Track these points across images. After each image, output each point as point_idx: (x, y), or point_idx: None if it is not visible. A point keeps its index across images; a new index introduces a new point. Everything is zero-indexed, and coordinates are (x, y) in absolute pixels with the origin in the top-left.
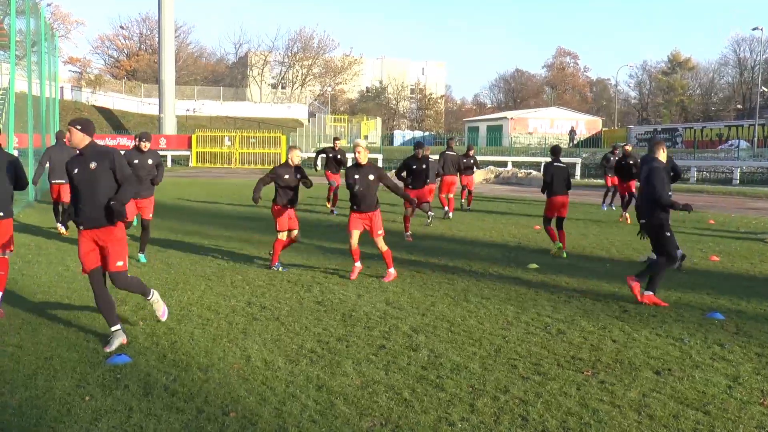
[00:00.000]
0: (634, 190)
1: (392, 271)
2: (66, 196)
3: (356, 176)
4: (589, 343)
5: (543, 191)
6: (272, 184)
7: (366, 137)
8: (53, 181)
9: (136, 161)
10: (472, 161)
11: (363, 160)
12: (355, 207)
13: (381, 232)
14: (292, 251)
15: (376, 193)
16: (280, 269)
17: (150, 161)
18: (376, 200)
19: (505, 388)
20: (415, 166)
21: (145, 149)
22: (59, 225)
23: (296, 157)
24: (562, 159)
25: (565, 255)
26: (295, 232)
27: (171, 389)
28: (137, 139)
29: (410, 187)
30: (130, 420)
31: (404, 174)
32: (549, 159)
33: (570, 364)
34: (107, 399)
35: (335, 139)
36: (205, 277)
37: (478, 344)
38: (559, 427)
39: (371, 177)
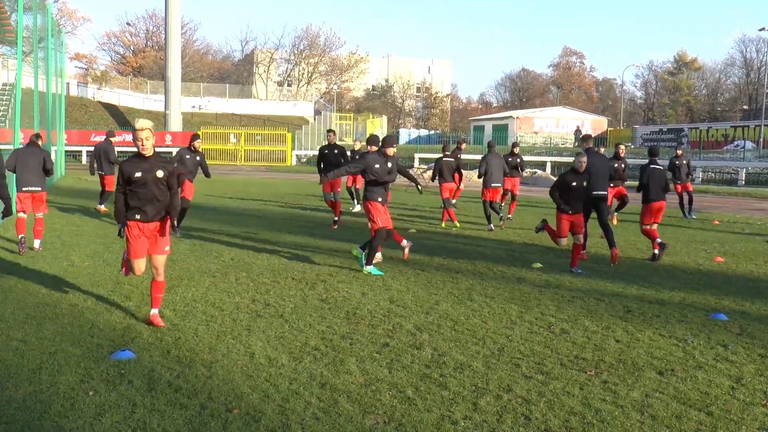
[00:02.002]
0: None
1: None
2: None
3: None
4: (593, 343)
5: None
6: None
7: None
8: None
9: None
10: (518, 160)
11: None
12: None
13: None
14: (298, 249)
15: None
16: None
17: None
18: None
19: (508, 387)
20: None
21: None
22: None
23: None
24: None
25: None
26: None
27: (175, 385)
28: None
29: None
30: (133, 415)
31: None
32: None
33: (573, 363)
34: (111, 394)
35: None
36: (209, 273)
37: (482, 343)
38: (562, 426)
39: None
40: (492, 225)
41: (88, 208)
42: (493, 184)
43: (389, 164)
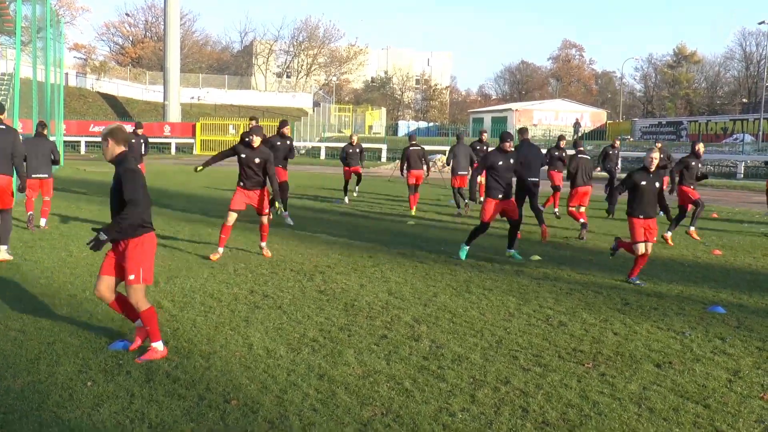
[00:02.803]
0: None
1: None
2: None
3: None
4: (591, 336)
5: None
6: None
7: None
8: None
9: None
10: (564, 154)
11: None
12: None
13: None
14: (296, 239)
15: None
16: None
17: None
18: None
19: (506, 379)
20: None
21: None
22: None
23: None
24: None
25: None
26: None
27: (173, 376)
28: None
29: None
30: (131, 406)
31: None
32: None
33: (571, 356)
34: (109, 384)
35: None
36: (208, 264)
37: (480, 335)
38: (560, 418)
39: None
40: (460, 210)
41: (87, 198)
42: (459, 172)
43: (511, 161)
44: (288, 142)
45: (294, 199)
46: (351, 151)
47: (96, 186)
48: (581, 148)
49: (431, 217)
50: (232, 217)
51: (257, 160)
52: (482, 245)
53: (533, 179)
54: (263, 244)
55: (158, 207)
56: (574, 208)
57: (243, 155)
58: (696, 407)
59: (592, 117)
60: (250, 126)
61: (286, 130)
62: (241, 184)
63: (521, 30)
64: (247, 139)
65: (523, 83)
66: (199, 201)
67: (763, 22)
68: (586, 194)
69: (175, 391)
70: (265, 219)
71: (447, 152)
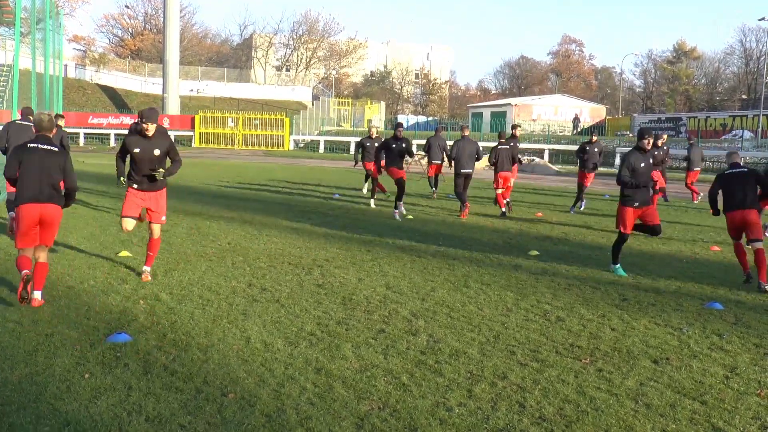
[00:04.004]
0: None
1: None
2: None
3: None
4: (588, 331)
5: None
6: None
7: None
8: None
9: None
10: (662, 152)
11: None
12: None
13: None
14: (294, 233)
15: None
16: None
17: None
18: None
19: (503, 374)
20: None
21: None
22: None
23: None
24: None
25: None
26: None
27: (170, 369)
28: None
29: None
30: (129, 398)
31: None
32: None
33: (568, 351)
34: (107, 377)
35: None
36: (206, 257)
37: (477, 330)
38: (556, 414)
39: None
40: (435, 194)
41: (84, 190)
42: (434, 161)
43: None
44: (404, 145)
45: (292, 194)
46: (369, 144)
47: (95, 178)
48: (503, 140)
49: (429, 212)
50: (129, 223)
51: (156, 152)
52: (480, 240)
53: (467, 170)
54: (147, 268)
55: None
56: (499, 191)
57: (137, 149)
58: (693, 403)
59: (591, 112)
60: (139, 112)
61: (400, 132)
62: (134, 185)
63: (521, 25)
64: (138, 128)
65: (523, 78)
66: (196, 194)
67: (763, 19)
68: (507, 179)
69: (172, 384)
70: (157, 231)
71: (424, 145)
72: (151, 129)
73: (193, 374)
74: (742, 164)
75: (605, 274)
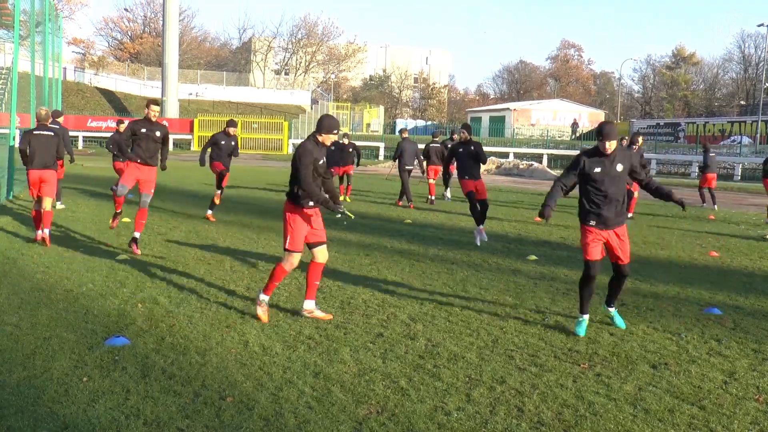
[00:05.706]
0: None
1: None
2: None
3: None
4: (586, 336)
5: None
6: None
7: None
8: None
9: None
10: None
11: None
12: None
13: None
14: None
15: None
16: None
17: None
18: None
19: (502, 378)
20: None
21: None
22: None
23: None
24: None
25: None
26: None
27: (168, 372)
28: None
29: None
30: (127, 402)
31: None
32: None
33: (567, 356)
34: (105, 380)
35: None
36: (204, 261)
37: (476, 334)
38: (555, 419)
39: None
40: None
41: (83, 193)
42: (407, 167)
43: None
44: (472, 148)
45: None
46: (426, 147)
47: (93, 181)
48: (436, 139)
49: (427, 216)
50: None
51: (158, 134)
52: (479, 245)
53: (410, 167)
54: (137, 234)
55: (155, 203)
56: (432, 182)
57: (143, 130)
58: (691, 408)
59: (590, 117)
60: (147, 102)
61: (464, 134)
62: (138, 160)
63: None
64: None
65: (522, 83)
66: (195, 198)
67: (762, 25)
68: (437, 171)
69: (170, 388)
70: (146, 200)
71: (396, 148)
72: (155, 110)
73: (191, 378)
74: None
75: (604, 279)
